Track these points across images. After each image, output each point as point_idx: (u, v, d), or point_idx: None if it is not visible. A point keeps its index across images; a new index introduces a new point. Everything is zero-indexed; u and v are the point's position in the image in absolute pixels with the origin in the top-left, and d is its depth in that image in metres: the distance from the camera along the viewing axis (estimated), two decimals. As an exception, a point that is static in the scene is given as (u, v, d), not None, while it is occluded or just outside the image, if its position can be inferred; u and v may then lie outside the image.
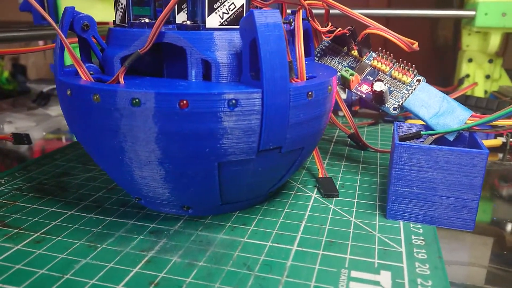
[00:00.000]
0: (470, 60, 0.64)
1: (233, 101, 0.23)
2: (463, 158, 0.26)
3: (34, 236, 0.26)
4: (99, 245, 0.25)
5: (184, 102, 0.22)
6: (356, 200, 0.31)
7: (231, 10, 0.25)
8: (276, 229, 0.27)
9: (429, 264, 0.23)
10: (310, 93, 0.25)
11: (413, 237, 0.26)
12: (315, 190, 0.33)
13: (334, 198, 0.31)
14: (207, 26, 0.25)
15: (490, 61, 0.63)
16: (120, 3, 0.28)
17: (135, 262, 0.23)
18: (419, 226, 0.28)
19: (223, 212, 0.29)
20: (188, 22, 0.25)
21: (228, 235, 0.26)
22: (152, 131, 0.23)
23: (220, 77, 0.25)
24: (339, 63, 0.36)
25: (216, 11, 0.25)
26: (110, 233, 0.26)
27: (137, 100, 0.22)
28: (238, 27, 0.26)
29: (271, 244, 0.25)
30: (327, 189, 0.32)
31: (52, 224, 0.27)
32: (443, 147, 0.26)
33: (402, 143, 0.27)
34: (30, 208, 0.29)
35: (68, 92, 0.25)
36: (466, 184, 0.26)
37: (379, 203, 0.31)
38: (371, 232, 0.27)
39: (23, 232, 0.26)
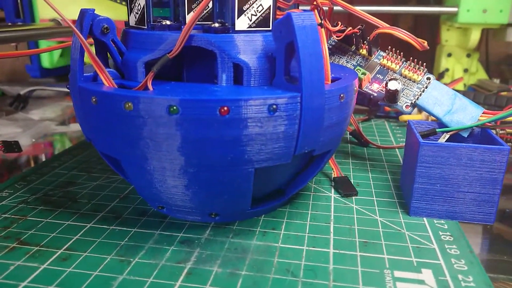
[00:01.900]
0: (449, 55, 0.66)
1: (274, 106, 0.22)
2: (486, 154, 0.27)
3: (58, 253, 0.24)
4: (131, 259, 0.24)
5: (225, 108, 0.21)
6: (375, 198, 0.31)
7: (259, 12, 0.25)
8: (307, 232, 0.27)
9: (464, 260, 0.24)
10: (342, 95, 0.25)
11: (440, 233, 0.27)
12: (332, 190, 0.33)
13: (353, 197, 0.32)
14: (236, 29, 0.24)
15: (468, 55, 0.65)
16: (136, 4, 0.26)
17: (175, 275, 0.23)
18: (442, 221, 0.28)
19: (249, 217, 0.28)
20: (216, 25, 0.25)
21: (261, 241, 0.26)
22: (189, 139, 0.22)
23: (252, 81, 0.24)
24: (347, 62, 0.36)
25: (245, 13, 0.24)
26: (139, 246, 0.25)
27: (174, 107, 0.21)
28: (265, 29, 0.25)
29: (307, 248, 0.25)
30: (346, 188, 0.32)
31: (73, 239, 0.26)
32: (466, 144, 0.27)
33: (427, 142, 0.27)
34: (44, 223, 0.28)
35: (93, 100, 0.23)
36: (488, 179, 0.27)
37: (398, 200, 0.31)
38: (400, 230, 0.27)
39: (45, 249, 0.25)
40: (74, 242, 0.26)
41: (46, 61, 0.62)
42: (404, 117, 0.51)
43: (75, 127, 0.49)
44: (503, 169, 0.27)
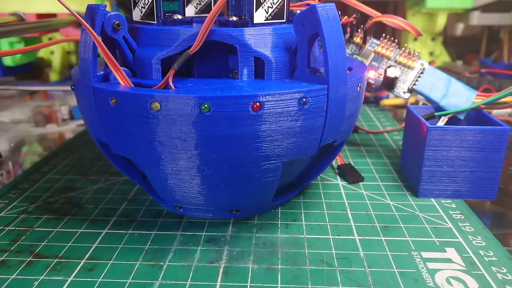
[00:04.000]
0: (415, 39, 0.68)
1: (304, 99, 0.22)
2: (490, 135, 0.28)
3: (82, 263, 0.23)
4: (161, 263, 0.23)
5: (258, 104, 0.21)
6: (380, 183, 0.32)
7: (275, 4, 0.25)
8: (328, 221, 0.27)
9: (480, 236, 0.26)
10: (360, 85, 0.25)
11: (451, 212, 0.28)
12: (338, 177, 0.34)
13: (360, 183, 0.33)
14: (254, 22, 0.24)
15: (433, 39, 0.68)
16: (142, -2, 0.25)
17: (211, 275, 0.22)
18: (449, 201, 0.30)
19: (267, 210, 0.28)
20: (234, 18, 0.24)
21: (286, 234, 0.26)
22: (220, 137, 0.22)
23: (273, 74, 0.24)
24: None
25: (263, 5, 0.24)
26: (165, 248, 0.25)
27: (206, 105, 0.21)
28: (280, 21, 0.25)
29: (333, 237, 0.26)
30: (352, 175, 0.33)
31: (93, 247, 0.25)
32: (471, 127, 0.28)
33: (434, 126, 0.28)
34: (54, 232, 0.26)
35: (113, 101, 0.22)
36: (491, 158, 0.29)
37: (402, 184, 0.32)
38: (414, 212, 0.28)
39: (65, 260, 0.23)
40: (95, 250, 0.24)
41: (8, 59, 0.58)
42: (385, 102, 0.53)
43: (52, 128, 0.47)
44: (504, 148, 0.28)
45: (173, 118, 0.21)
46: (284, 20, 0.25)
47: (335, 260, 0.23)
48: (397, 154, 0.38)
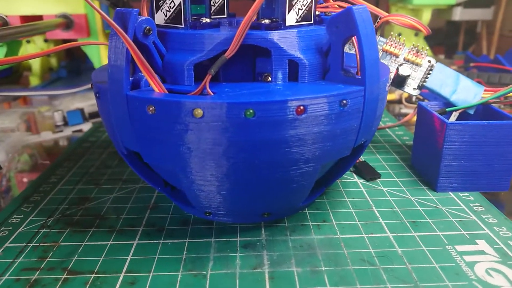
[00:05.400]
0: (399, 34, 0.70)
1: (344, 101, 0.22)
2: (506, 129, 0.29)
3: (121, 278, 0.22)
4: (204, 272, 0.23)
5: (301, 108, 0.21)
6: (397, 179, 0.33)
7: (304, 6, 0.25)
8: (357, 220, 0.28)
9: (505, 227, 0.27)
10: (388, 85, 0.26)
11: (471, 205, 0.29)
12: (354, 175, 0.34)
13: (377, 180, 0.33)
14: (287, 24, 0.24)
15: (416, 34, 0.70)
16: (167, 1, 0.25)
17: (259, 281, 0.22)
18: (466, 194, 0.31)
19: (295, 212, 0.28)
20: (267, 21, 0.24)
21: (321, 235, 0.26)
22: (263, 142, 0.21)
23: (307, 77, 0.24)
24: (350, 50, 0.37)
25: (294, 7, 0.24)
26: (203, 257, 0.24)
27: (251, 111, 0.21)
28: (308, 23, 0.25)
29: (366, 235, 0.26)
30: (369, 172, 0.34)
31: (128, 260, 0.24)
32: (491, 122, 0.29)
33: (454, 122, 0.29)
34: (82, 246, 0.25)
35: (151, 109, 0.21)
36: (507, 151, 0.30)
37: (418, 179, 0.33)
38: (437, 207, 0.29)
39: (103, 275, 0.23)
40: (131, 262, 0.24)
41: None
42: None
43: (47, 135, 0.45)
44: (519, 141, 0.30)
45: (216, 125, 0.21)
46: (312, 22, 0.25)
47: (375, 258, 0.24)
48: (404, 149, 0.39)
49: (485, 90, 0.34)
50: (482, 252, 0.24)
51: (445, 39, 0.81)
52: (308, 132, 0.22)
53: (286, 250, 0.25)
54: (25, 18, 0.52)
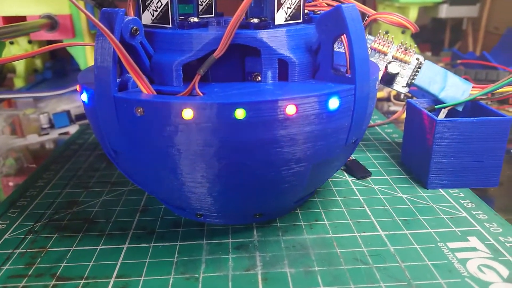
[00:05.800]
0: (386, 32, 0.70)
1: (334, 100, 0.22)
2: (495, 125, 0.29)
3: (112, 282, 0.22)
4: (196, 275, 0.23)
5: (292, 107, 0.21)
6: (387, 177, 0.33)
7: (293, 4, 0.24)
8: (349, 219, 0.27)
9: (495, 223, 0.27)
10: (378, 83, 0.26)
11: (461, 201, 0.29)
12: (345, 174, 0.34)
13: (368, 178, 0.33)
14: (276, 23, 0.24)
15: (403, 32, 0.70)
16: (154, 1, 0.24)
17: (252, 283, 0.22)
18: (456, 190, 0.31)
19: (287, 213, 0.28)
20: (256, 20, 0.23)
21: (313, 234, 0.26)
22: (254, 142, 0.21)
23: (296, 76, 0.24)
24: (338, 48, 0.37)
25: (283, 6, 0.24)
26: (194, 259, 0.24)
27: (242, 111, 0.20)
28: (296, 21, 0.25)
29: (359, 234, 0.26)
30: (359, 171, 0.33)
31: (118, 264, 0.23)
32: (479, 118, 0.29)
33: (443, 120, 0.29)
34: (71, 252, 0.25)
35: (139, 111, 0.21)
36: (495, 148, 0.30)
37: (408, 176, 0.33)
38: (428, 204, 0.29)
39: (93, 281, 0.22)
40: (121, 267, 0.23)
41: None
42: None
43: (33, 138, 0.44)
44: (507, 137, 0.30)
45: (206, 126, 0.21)
46: (301, 21, 0.25)
47: (368, 257, 0.24)
48: (394, 147, 0.39)
49: (473, 87, 0.34)
50: (474, 249, 0.24)
51: (431, 36, 0.82)
52: (299, 131, 0.22)
53: (278, 251, 0.24)
54: (8, 19, 0.51)
